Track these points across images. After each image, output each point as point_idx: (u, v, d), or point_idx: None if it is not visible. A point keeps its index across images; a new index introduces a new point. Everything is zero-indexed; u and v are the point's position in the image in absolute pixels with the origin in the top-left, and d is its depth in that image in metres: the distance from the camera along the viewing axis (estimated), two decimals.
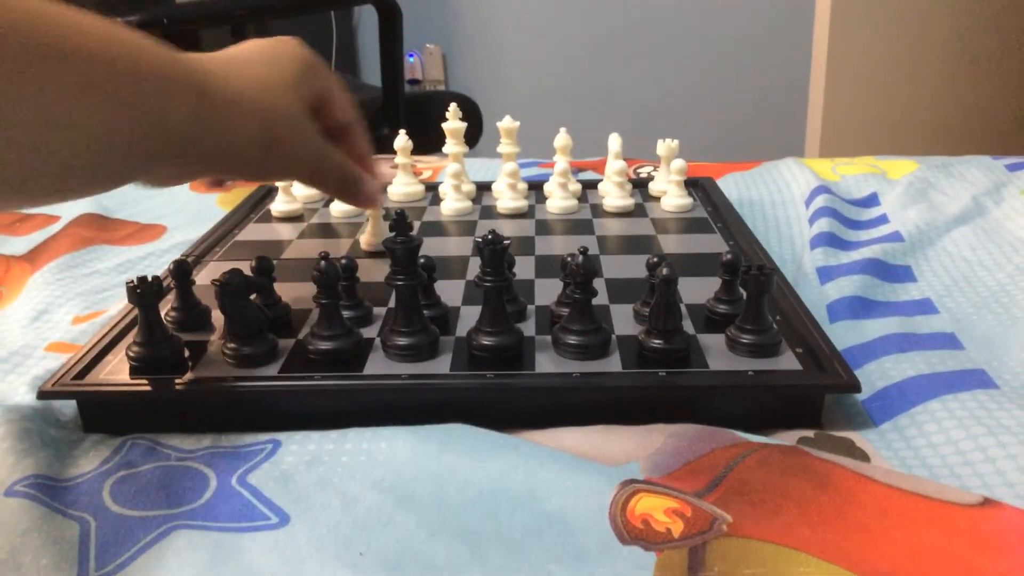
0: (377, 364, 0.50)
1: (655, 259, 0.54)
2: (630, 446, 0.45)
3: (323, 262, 0.49)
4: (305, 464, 0.44)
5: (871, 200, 0.85)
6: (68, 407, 0.50)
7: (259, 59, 0.47)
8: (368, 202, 0.53)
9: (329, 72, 0.50)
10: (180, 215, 0.89)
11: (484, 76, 2.77)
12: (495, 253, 0.48)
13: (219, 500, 0.42)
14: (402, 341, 0.50)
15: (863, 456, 0.45)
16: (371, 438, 0.46)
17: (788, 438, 0.47)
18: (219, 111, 0.42)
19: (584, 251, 0.49)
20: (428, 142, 1.08)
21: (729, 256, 0.54)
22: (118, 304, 0.65)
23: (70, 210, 0.88)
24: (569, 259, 0.50)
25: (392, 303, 0.56)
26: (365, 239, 0.70)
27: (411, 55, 2.77)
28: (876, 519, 0.39)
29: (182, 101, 0.40)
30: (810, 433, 0.47)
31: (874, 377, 0.52)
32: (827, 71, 1.79)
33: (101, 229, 0.83)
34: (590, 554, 0.37)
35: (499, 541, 0.38)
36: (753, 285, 0.49)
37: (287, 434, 0.47)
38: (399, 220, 0.49)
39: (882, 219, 0.80)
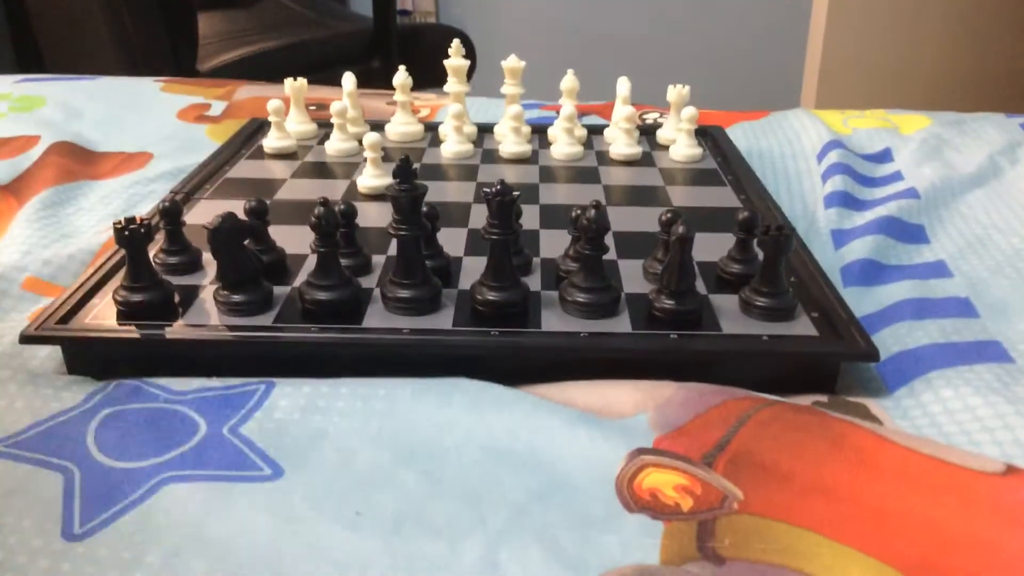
0: (376, 317, 0.48)
1: (669, 214, 0.51)
2: (639, 397, 0.43)
3: (321, 208, 0.46)
4: (300, 411, 0.42)
5: (885, 155, 0.83)
6: (53, 353, 0.48)
7: None
8: None
9: None
10: (167, 143, 0.85)
11: (478, 9, 2.69)
12: (504, 205, 0.46)
13: (209, 446, 0.40)
14: (403, 294, 0.47)
15: (877, 422, 0.44)
16: (369, 385, 0.44)
17: (801, 402, 0.45)
18: None
19: (597, 204, 0.46)
20: (418, 78, 1.04)
21: (746, 214, 0.52)
22: (99, 237, 0.63)
23: (48, 130, 0.84)
24: (579, 212, 0.48)
25: (393, 251, 0.54)
26: (363, 181, 0.67)
27: None
28: (892, 483, 0.38)
29: None
30: (823, 398, 0.46)
31: (889, 342, 0.51)
32: (827, 17, 1.75)
33: (85, 163, 0.80)
34: (596, 520, 0.36)
35: (502, 503, 0.37)
36: (771, 246, 0.47)
37: (281, 378, 0.45)
38: (403, 167, 0.47)
39: (896, 176, 0.78)
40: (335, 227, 0.47)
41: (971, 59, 1.84)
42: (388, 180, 0.63)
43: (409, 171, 0.47)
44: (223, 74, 1.59)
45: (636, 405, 0.43)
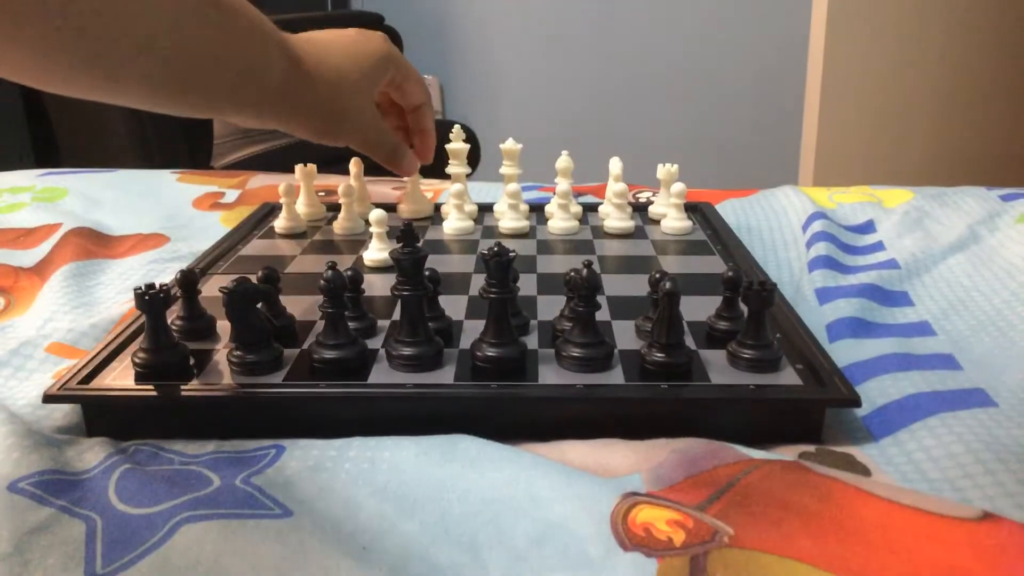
0: (381, 374, 0.50)
1: (657, 274, 0.54)
2: (633, 459, 0.45)
3: (330, 271, 0.50)
4: (308, 470, 0.44)
5: (867, 227, 0.86)
6: (71, 415, 0.51)
7: (340, 49, 0.56)
8: (409, 169, 0.64)
9: (403, 62, 0.61)
10: (183, 230, 0.89)
11: (481, 107, 2.80)
12: (501, 265, 0.49)
13: (223, 492, 0.42)
14: (407, 351, 0.50)
15: (864, 470, 0.46)
16: (374, 447, 0.46)
17: (789, 453, 0.47)
18: (302, 81, 0.52)
19: (588, 264, 0.49)
20: (427, 168, 1.09)
21: (730, 273, 0.55)
22: (119, 308, 0.66)
23: (69, 219, 0.89)
24: (573, 273, 0.51)
25: (397, 315, 0.56)
26: (369, 254, 0.70)
27: None
28: (877, 533, 0.39)
29: (277, 62, 0.50)
30: (811, 448, 0.48)
31: (874, 394, 0.53)
32: (820, 105, 1.82)
33: (102, 245, 0.84)
34: (592, 561, 0.37)
35: (501, 548, 0.38)
36: (755, 300, 0.50)
37: (291, 440, 0.47)
38: (406, 232, 0.50)
39: (878, 246, 0.81)
40: (342, 288, 0.50)
41: (956, 141, 1.91)
42: None
43: (412, 235, 0.50)
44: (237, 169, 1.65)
45: (630, 467, 0.45)
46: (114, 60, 0.42)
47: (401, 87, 0.62)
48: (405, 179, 0.83)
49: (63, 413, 0.51)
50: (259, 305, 0.51)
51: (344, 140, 0.57)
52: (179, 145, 1.68)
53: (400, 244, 0.50)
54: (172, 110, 0.48)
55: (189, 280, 0.55)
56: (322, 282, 0.49)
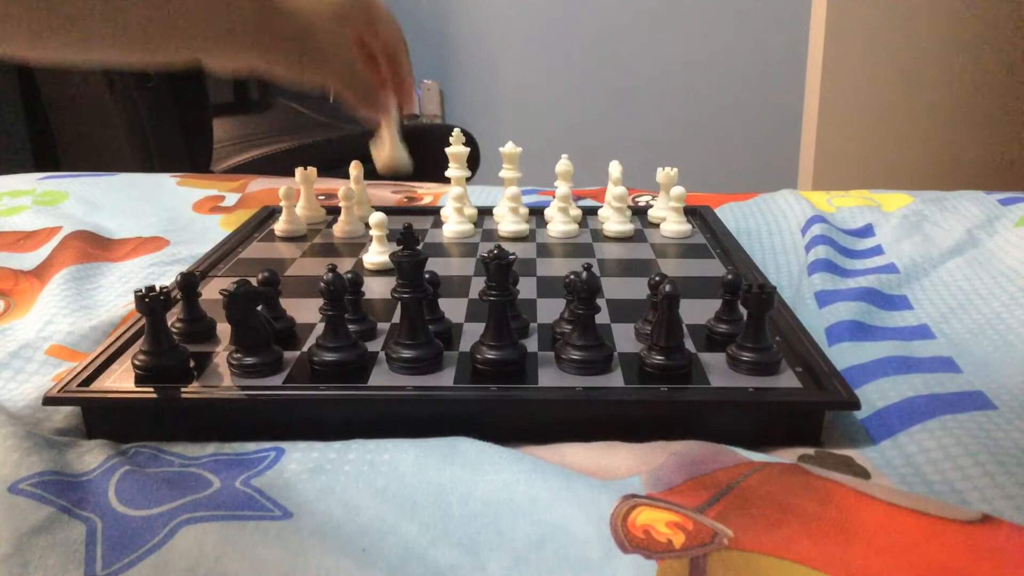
0: (381, 376, 0.50)
1: (657, 277, 0.54)
2: (632, 461, 0.45)
3: (330, 274, 0.50)
4: (308, 472, 0.44)
5: (866, 231, 0.87)
6: (71, 417, 0.51)
7: None
8: (382, 110, 0.63)
9: (377, 4, 0.60)
10: (183, 233, 0.89)
11: (481, 111, 2.81)
12: (500, 267, 0.49)
13: (223, 495, 0.42)
14: (407, 353, 0.50)
15: (863, 473, 0.46)
16: (374, 449, 0.46)
17: (789, 456, 0.47)
18: (276, 13, 0.52)
19: (588, 267, 0.50)
20: (425, 173, 1.09)
21: (730, 276, 0.55)
22: (120, 311, 0.66)
23: (69, 222, 0.89)
24: (572, 276, 0.51)
25: (396, 318, 0.56)
26: (369, 257, 0.70)
27: None
28: (878, 536, 0.39)
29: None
30: (810, 451, 0.48)
31: (873, 397, 0.53)
32: (819, 109, 1.83)
33: (103, 248, 0.84)
34: (592, 563, 0.37)
35: (501, 550, 0.38)
36: (754, 303, 0.50)
37: (291, 443, 0.47)
38: (406, 234, 0.50)
39: (877, 250, 0.81)
40: (342, 291, 0.50)
41: (954, 146, 1.92)
42: None
43: (412, 237, 0.50)
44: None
45: (630, 469, 0.45)
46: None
47: (375, 29, 0.61)
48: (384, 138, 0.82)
49: (63, 415, 0.51)
50: (259, 308, 0.51)
51: (321, 75, 0.57)
52: (179, 148, 1.69)
53: (400, 247, 0.50)
54: (145, 53, 0.48)
55: (189, 283, 0.55)
56: (322, 285, 0.49)
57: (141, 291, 0.50)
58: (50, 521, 0.40)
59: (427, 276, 0.53)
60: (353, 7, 0.58)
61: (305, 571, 0.36)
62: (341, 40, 0.57)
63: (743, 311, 0.52)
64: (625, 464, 0.45)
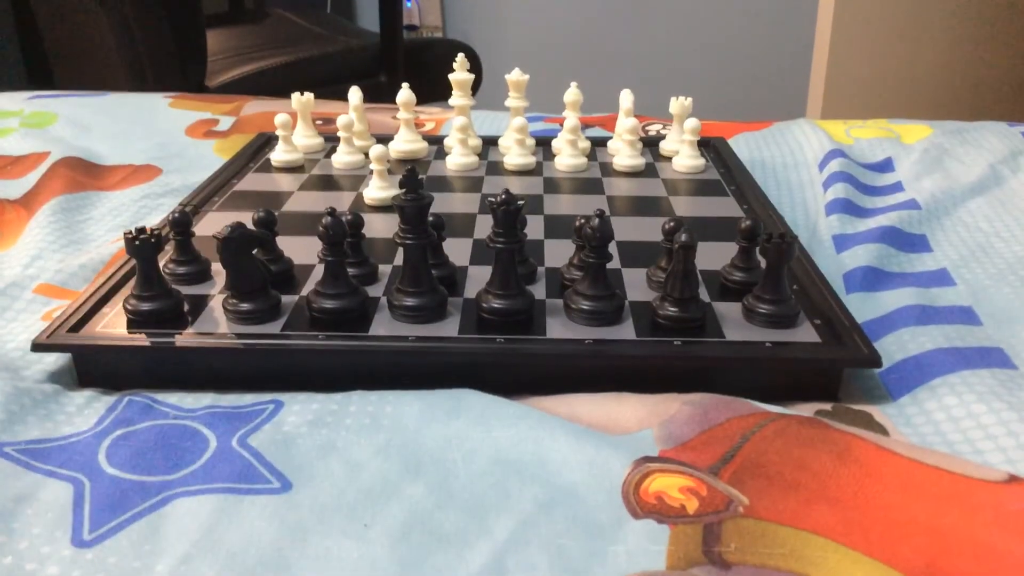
0: (383, 325, 0.48)
1: (672, 223, 0.52)
2: (643, 413, 0.44)
3: (329, 218, 0.47)
4: (308, 426, 0.43)
5: (886, 165, 0.83)
6: (62, 360, 0.49)
7: None
8: None
9: None
10: (176, 160, 0.86)
11: (484, 23, 2.71)
12: (508, 214, 0.47)
13: (218, 460, 0.40)
14: (409, 302, 0.48)
15: (881, 430, 0.44)
16: (376, 401, 0.44)
17: (805, 411, 0.45)
18: None
19: (600, 213, 0.47)
20: (425, 92, 1.05)
21: (748, 223, 0.53)
22: (110, 247, 0.64)
23: (58, 146, 0.86)
24: (583, 221, 0.48)
25: (399, 261, 0.54)
26: (369, 193, 0.68)
27: None
28: (897, 494, 0.38)
29: None
30: (827, 406, 0.46)
31: (892, 349, 0.51)
32: (832, 28, 1.76)
33: (93, 176, 0.81)
34: (603, 529, 0.36)
35: (508, 514, 0.37)
36: (774, 254, 0.47)
37: (290, 395, 0.45)
38: (409, 177, 0.47)
39: (897, 186, 0.78)
40: (342, 236, 0.48)
41: (974, 68, 1.85)
42: (394, 192, 0.64)
43: (416, 181, 0.47)
44: (232, 89, 1.60)
45: (640, 421, 0.43)
46: None
47: None
48: (400, 115, 0.79)
49: (54, 358, 0.49)
50: (255, 251, 0.49)
51: None
52: (172, 62, 1.63)
53: (402, 189, 0.47)
54: None
55: (182, 222, 0.53)
56: (321, 229, 0.47)
57: (131, 233, 0.47)
58: (35, 486, 0.38)
59: (431, 219, 0.50)
60: None
61: (303, 550, 0.35)
62: None
63: (760, 259, 0.50)
64: (636, 416, 0.44)
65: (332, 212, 0.48)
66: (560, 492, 0.38)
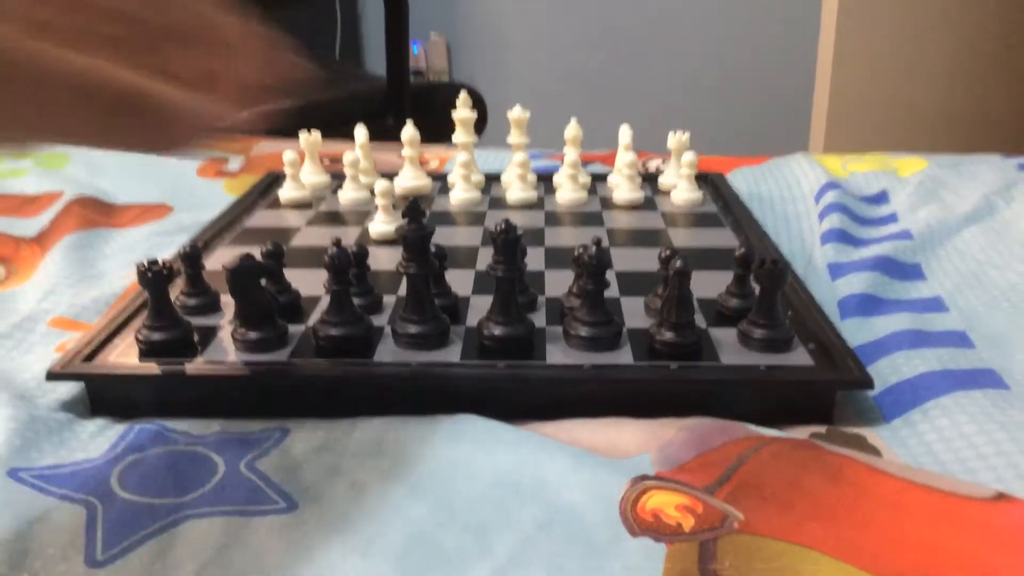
0: (387, 352, 0.49)
1: (668, 251, 0.53)
2: (641, 438, 0.45)
3: (335, 248, 0.49)
4: (314, 451, 0.44)
5: (881, 197, 0.85)
6: (75, 389, 0.50)
7: None
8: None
9: None
10: (187, 199, 0.88)
11: (489, 67, 2.76)
12: (508, 242, 0.48)
13: (227, 484, 0.41)
14: (412, 329, 0.49)
15: (875, 452, 0.45)
16: (380, 428, 0.45)
17: (800, 434, 0.46)
18: None
19: (598, 242, 0.49)
20: (432, 133, 1.07)
21: (742, 250, 0.54)
22: (122, 282, 0.65)
23: (71, 186, 0.88)
24: (581, 250, 0.50)
25: (403, 291, 0.56)
26: (375, 227, 0.69)
27: (414, 45, 2.76)
28: (889, 513, 0.39)
29: None
30: (822, 429, 0.47)
31: (885, 372, 0.52)
32: (833, 66, 1.79)
33: (106, 214, 0.83)
34: (600, 547, 0.37)
35: (509, 533, 0.38)
36: (767, 279, 0.49)
37: (296, 422, 0.46)
38: (412, 208, 0.49)
39: (892, 217, 0.80)
40: (347, 265, 0.49)
41: (973, 104, 1.88)
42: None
43: (418, 211, 0.49)
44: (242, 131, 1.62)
45: (639, 446, 0.44)
46: None
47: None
48: (405, 152, 0.81)
49: (67, 387, 0.51)
50: (263, 281, 0.50)
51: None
52: None
53: (406, 220, 0.49)
54: None
55: (193, 255, 0.55)
56: (327, 259, 0.49)
57: (143, 265, 0.49)
58: (50, 509, 0.39)
59: (433, 249, 0.52)
60: None
61: (309, 566, 0.36)
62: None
63: (755, 285, 0.51)
64: (634, 441, 0.45)
65: (337, 243, 0.49)
66: (559, 511, 0.39)
